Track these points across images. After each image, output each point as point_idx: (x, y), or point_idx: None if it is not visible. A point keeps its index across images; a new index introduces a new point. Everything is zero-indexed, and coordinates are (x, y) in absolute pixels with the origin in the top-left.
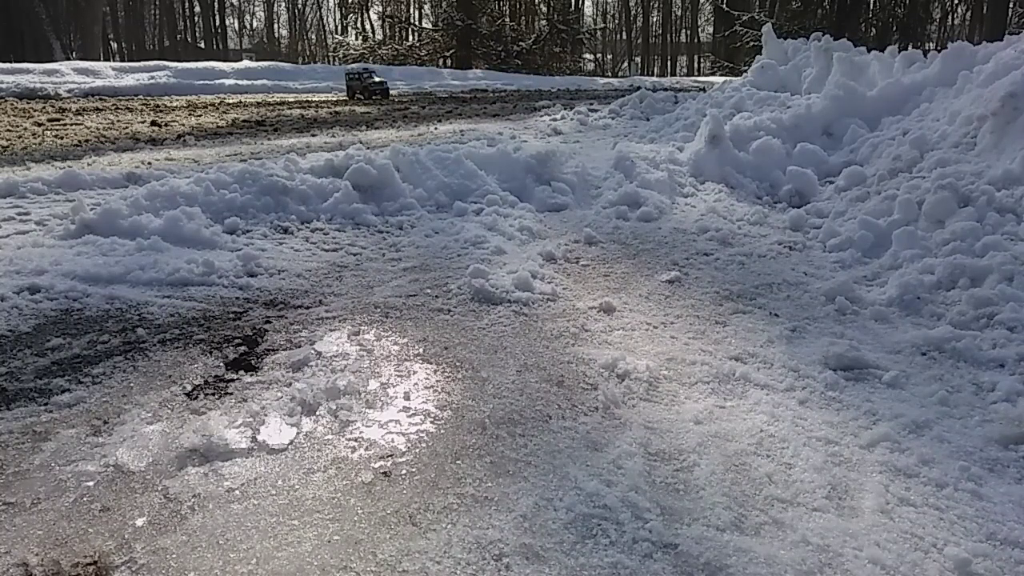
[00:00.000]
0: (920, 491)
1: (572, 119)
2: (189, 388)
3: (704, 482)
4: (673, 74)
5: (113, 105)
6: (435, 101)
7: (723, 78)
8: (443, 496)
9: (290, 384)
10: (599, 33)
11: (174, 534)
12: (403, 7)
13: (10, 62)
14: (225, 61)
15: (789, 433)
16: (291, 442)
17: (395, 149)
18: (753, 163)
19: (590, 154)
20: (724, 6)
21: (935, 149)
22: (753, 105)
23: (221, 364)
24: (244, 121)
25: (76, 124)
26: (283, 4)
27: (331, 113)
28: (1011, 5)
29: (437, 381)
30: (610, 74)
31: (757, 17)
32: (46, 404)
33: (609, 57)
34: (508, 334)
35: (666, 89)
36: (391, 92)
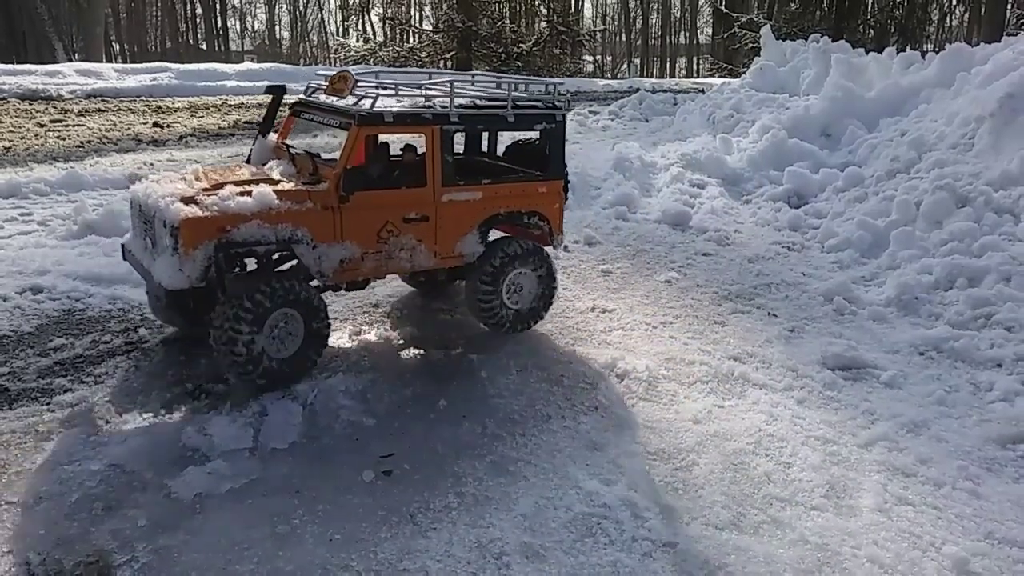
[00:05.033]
0: (918, 490)
1: (572, 120)
2: (191, 388)
3: (703, 481)
4: (672, 76)
5: (115, 106)
6: None
7: (722, 80)
8: (443, 495)
9: (290, 384)
10: (599, 35)
11: (175, 533)
12: (404, 9)
13: (12, 63)
14: (227, 63)
15: (787, 432)
16: (291, 442)
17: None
18: (752, 164)
19: (590, 155)
20: (723, 8)
21: (933, 150)
22: (752, 107)
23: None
24: (246, 122)
25: (78, 125)
26: (284, 6)
27: None
28: (1009, 7)
29: (437, 381)
30: (609, 76)
31: (756, 19)
32: (49, 404)
33: (608, 59)
34: (508, 334)
35: (665, 91)
36: None
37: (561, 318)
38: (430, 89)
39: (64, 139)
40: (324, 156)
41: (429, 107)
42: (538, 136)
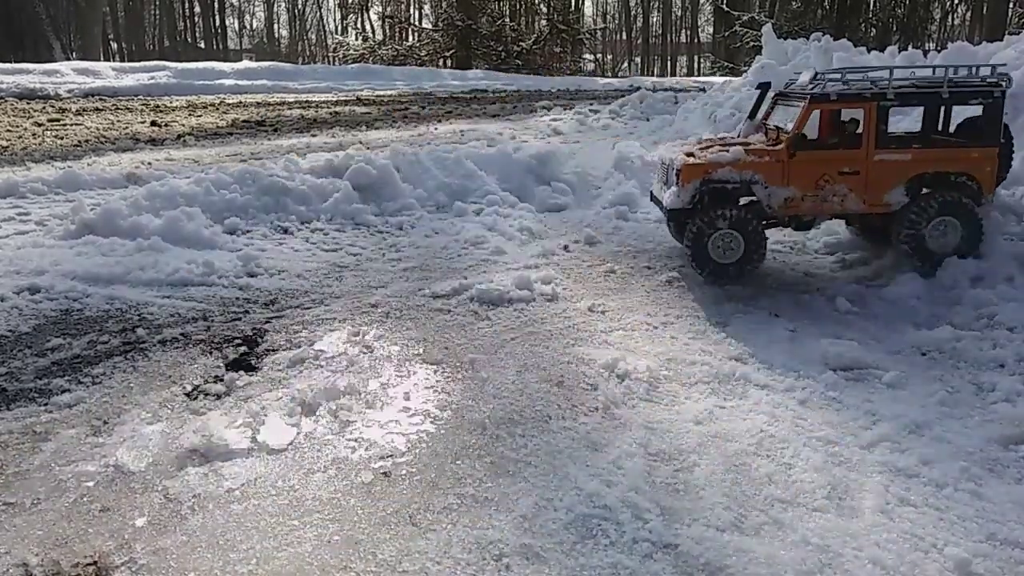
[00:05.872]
0: (920, 491)
1: (572, 119)
2: (189, 388)
3: (704, 482)
4: (673, 74)
5: (113, 105)
6: (435, 101)
7: (723, 78)
8: (443, 496)
9: (290, 384)
10: (599, 33)
11: (174, 534)
12: (403, 7)
13: (10, 62)
14: (225, 61)
15: (789, 433)
16: (291, 442)
17: (395, 149)
18: None
19: (590, 154)
20: (724, 6)
21: None
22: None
23: (221, 364)
24: (244, 121)
25: (76, 124)
26: (283, 4)
27: (331, 113)
28: (1011, 5)
29: (437, 381)
30: (610, 74)
31: (757, 17)
32: (46, 404)
33: (609, 57)
34: (508, 334)
35: (666, 89)
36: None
37: (561, 318)
38: (873, 74)
39: (62, 138)
40: (788, 128)
41: (869, 88)
42: (981, 111)
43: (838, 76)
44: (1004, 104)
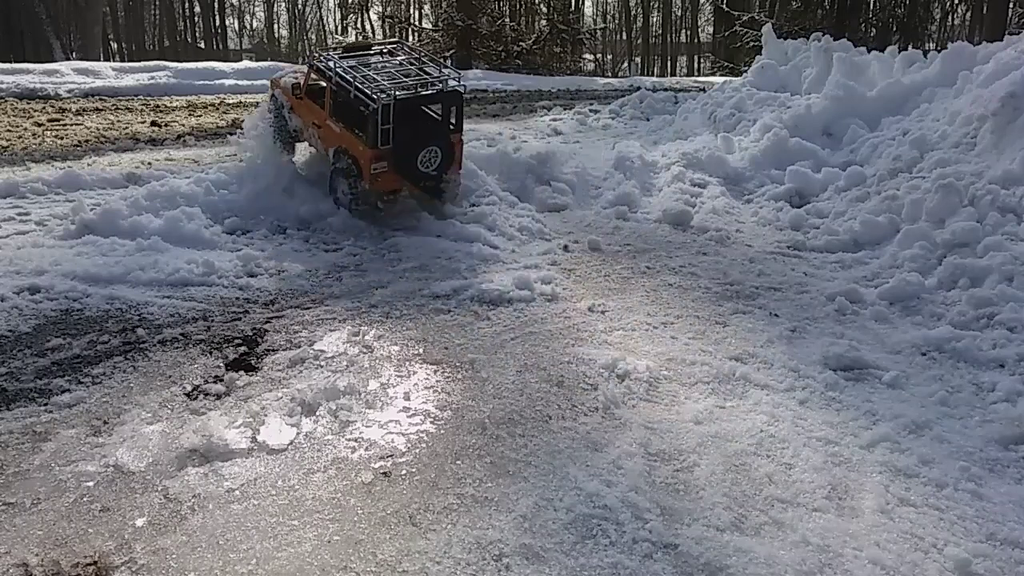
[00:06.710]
0: (920, 491)
1: (572, 119)
2: (189, 388)
3: (704, 482)
4: (673, 74)
5: (113, 105)
6: None
7: (723, 78)
8: (443, 496)
9: (290, 384)
10: (599, 33)
11: (174, 534)
12: (403, 7)
13: (10, 62)
14: (225, 61)
15: (789, 433)
16: (291, 442)
17: None
18: (753, 163)
19: (590, 154)
20: (724, 6)
21: (935, 149)
22: (753, 105)
23: (221, 364)
24: (245, 121)
25: (76, 124)
26: (283, 4)
27: None
28: (1011, 5)
29: (437, 381)
30: (610, 74)
31: (757, 17)
32: (46, 404)
33: (609, 57)
34: (508, 334)
35: (666, 89)
36: None
37: (561, 318)
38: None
39: (62, 138)
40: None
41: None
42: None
43: (328, 56)
44: (385, 111)
